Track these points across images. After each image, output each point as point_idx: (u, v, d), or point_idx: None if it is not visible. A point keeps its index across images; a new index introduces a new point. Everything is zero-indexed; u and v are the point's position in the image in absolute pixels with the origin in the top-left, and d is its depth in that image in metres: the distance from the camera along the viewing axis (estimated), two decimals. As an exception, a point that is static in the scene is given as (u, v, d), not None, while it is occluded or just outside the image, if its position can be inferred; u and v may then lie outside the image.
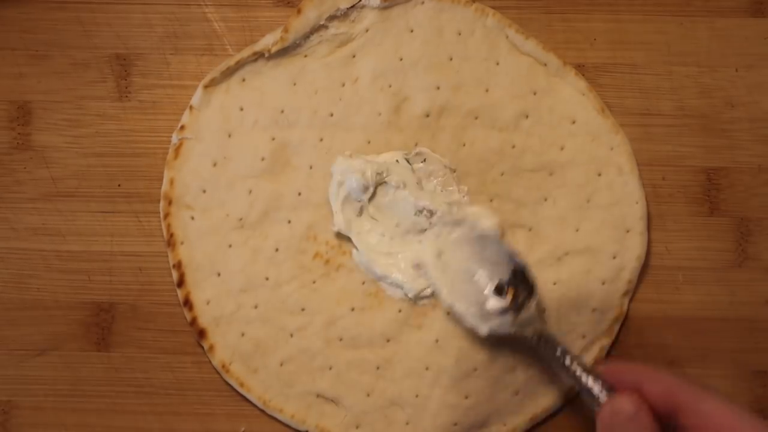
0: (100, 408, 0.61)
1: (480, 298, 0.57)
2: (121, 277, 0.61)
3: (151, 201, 0.61)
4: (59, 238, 0.61)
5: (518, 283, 0.56)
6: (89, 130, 0.62)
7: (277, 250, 0.60)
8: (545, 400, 0.60)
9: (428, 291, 0.59)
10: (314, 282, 0.60)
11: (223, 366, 0.60)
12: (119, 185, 0.62)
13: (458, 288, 0.58)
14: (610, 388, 0.49)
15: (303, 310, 0.60)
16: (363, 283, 0.60)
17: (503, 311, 0.56)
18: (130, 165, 0.62)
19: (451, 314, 0.59)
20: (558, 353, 0.53)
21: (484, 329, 0.56)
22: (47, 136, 0.62)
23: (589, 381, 0.50)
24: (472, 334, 0.58)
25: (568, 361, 0.52)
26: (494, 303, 0.56)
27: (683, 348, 0.61)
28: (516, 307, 0.55)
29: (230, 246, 0.60)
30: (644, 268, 0.61)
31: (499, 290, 0.56)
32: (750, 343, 0.61)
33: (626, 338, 0.61)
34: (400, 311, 0.60)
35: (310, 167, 0.60)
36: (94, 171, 0.62)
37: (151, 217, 0.61)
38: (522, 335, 0.55)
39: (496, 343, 0.59)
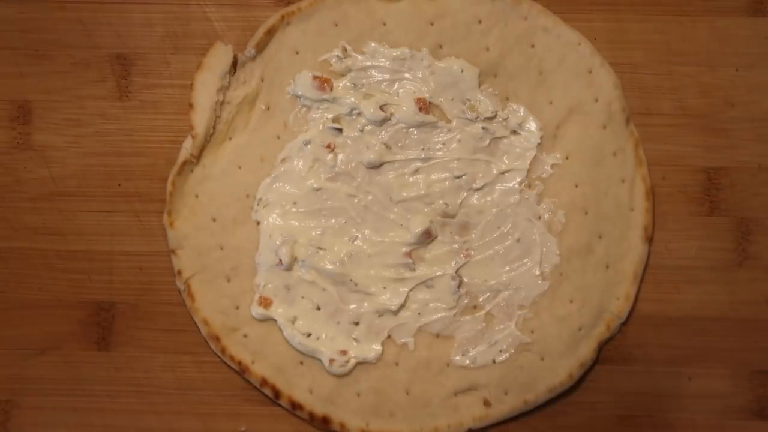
0: (101, 407, 0.61)
1: None
2: (122, 276, 0.61)
3: (151, 200, 0.61)
4: (60, 238, 0.61)
5: None
6: (89, 130, 0.62)
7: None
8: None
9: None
10: None
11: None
12: (119, 185, 0.62)
13: None
14: None
15: None
16: None
17: None
18: (130, 165, 0.62)
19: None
20: None
21: None
22: (47, 136, 0.62)
23: None
24: None
25: None
26: None
27: (683, 348, 0.61)
28: None
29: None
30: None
31: None
32: (750, 342, 0.61)
33: (626, 338, 0.61)
34: None
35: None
36: (94, 170, 0.62)
37: (151, 216, 0.61)
38: None
39: None
